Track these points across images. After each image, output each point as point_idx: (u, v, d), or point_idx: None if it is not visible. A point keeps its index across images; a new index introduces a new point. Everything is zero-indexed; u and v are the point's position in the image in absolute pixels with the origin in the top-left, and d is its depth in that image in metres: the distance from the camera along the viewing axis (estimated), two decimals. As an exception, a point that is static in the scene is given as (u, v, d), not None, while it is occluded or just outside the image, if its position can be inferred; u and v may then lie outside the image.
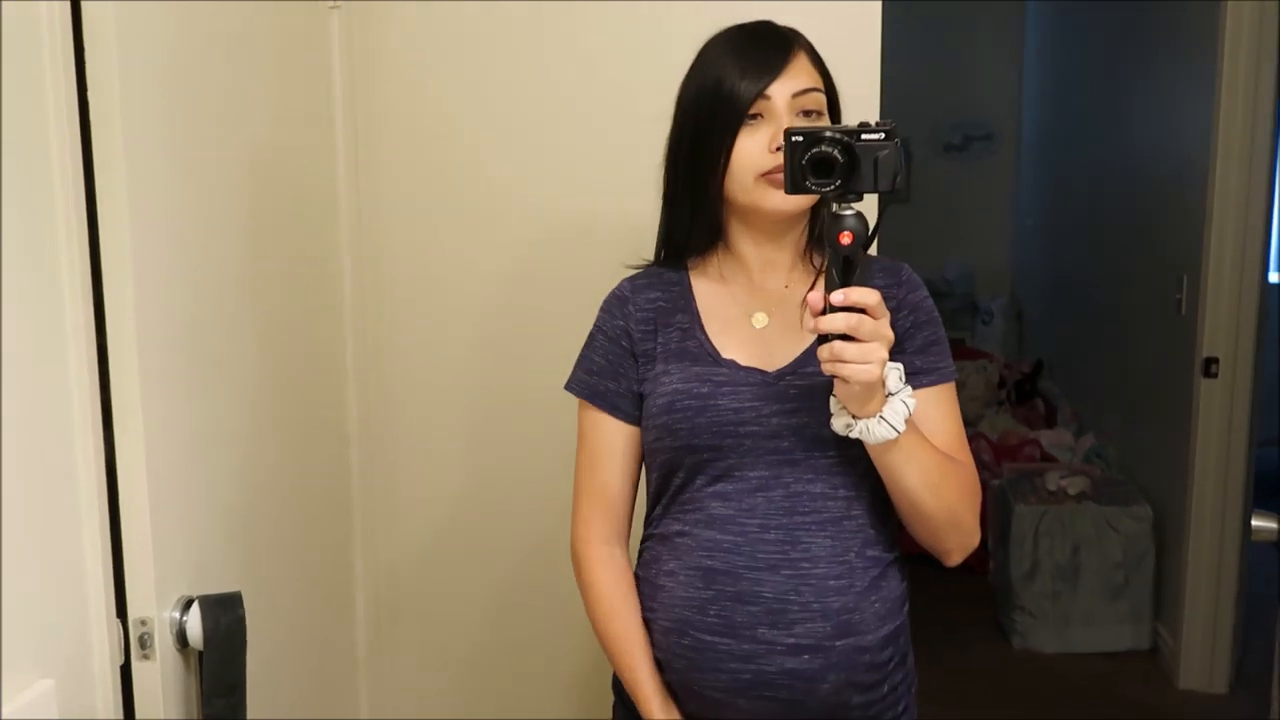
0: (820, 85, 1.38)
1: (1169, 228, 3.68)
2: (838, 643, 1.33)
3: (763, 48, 1.37)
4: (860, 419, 1.23)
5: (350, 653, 2.02)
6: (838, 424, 1.25)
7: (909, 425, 1.25)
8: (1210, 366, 3.34)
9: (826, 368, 1.18)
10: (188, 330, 1.38)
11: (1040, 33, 5.72)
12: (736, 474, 1.36)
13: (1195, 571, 3.47)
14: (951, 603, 3.91)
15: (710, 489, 1.37)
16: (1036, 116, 5.76)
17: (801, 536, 1.34)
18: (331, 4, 1.86)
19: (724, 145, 1.35)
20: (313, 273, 1.85)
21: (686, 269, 1.47)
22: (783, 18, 1.43)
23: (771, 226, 1.40)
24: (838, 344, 1.17)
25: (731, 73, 1.35)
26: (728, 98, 1.34)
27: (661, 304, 1.45)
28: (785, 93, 1.35)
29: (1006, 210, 6.10)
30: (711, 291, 1.44)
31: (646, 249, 1.52)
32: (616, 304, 1.47)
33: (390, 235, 1.98)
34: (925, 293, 1.43)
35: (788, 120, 1.34)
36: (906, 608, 1.42)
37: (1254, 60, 3.18)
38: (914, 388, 1.28)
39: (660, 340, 1.42)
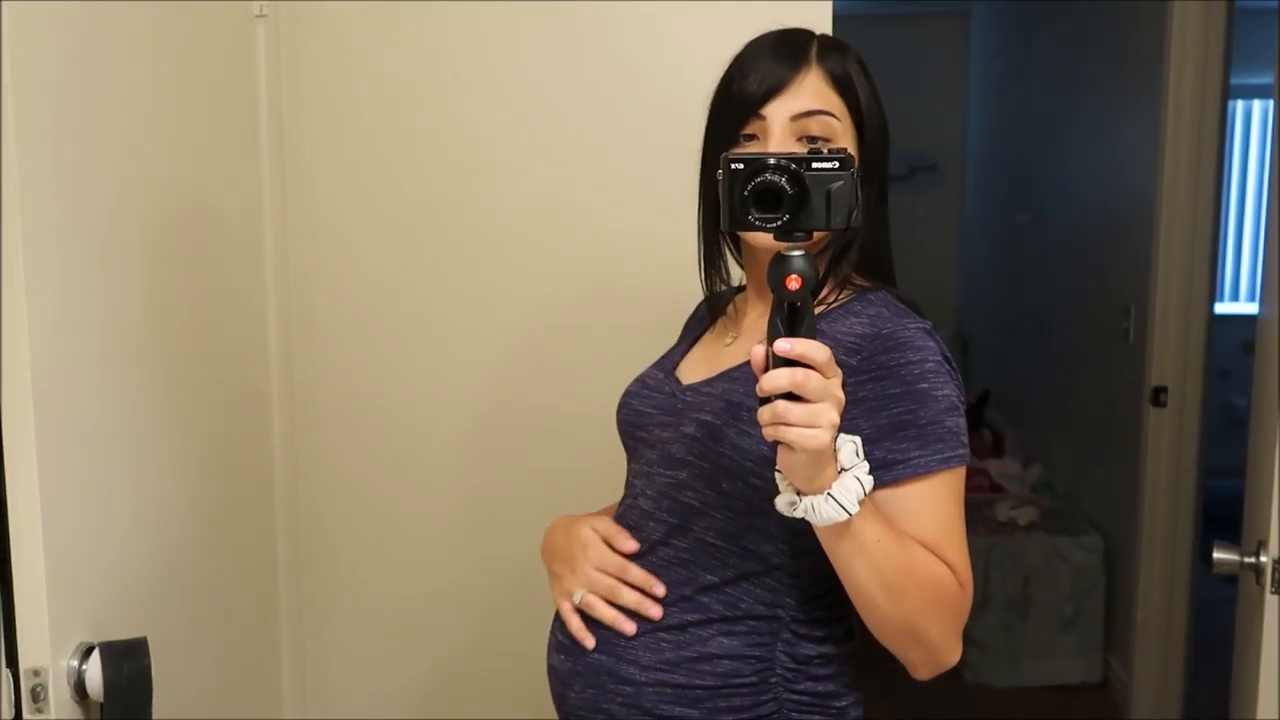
0: (832, 109, 1.23)
1: (1115, 256, 3.67)
2: (589, 656, 1.27)
3: (773, 59, 1.24)
4: (806, 495, 1.04)
5: (276, 701, 1.91)
6: (781, 502, 1.07)
7: (867, 511, 1.06)
8: (1159, 395, 3.32)
9: (768, 432, 1.00)
10: (87, 359, 1.28)
11: (985, 63, 5.76)
12: (633, 473, 1.36)
13: (1146, 602, 3.44)
14: (902, 636, 3.85)
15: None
16: (982, 147, 5.78)
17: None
18: (258, 13, 1.77)
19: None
20: (233, 301, 1.74)
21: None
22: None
23: (762, 254, 1.26)
24: (780, 404, 0.98)
25: (734, 85, 1.24)
26: (724, 113, 1.25)
27: (701, 314, 1.46)
28: (784, 113, 1.21)
29: (952, 241, 6.11)
30: (728, 311, 1.41)
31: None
32: None
33: (320, 260, 1.88)
34: (914, 355, 1.18)
35: (783, 145, 1.21)
36: (767, 695, 1.22)
37: (1199, 89, 3.18)
38: (876, 485, 1.08)
39: None
